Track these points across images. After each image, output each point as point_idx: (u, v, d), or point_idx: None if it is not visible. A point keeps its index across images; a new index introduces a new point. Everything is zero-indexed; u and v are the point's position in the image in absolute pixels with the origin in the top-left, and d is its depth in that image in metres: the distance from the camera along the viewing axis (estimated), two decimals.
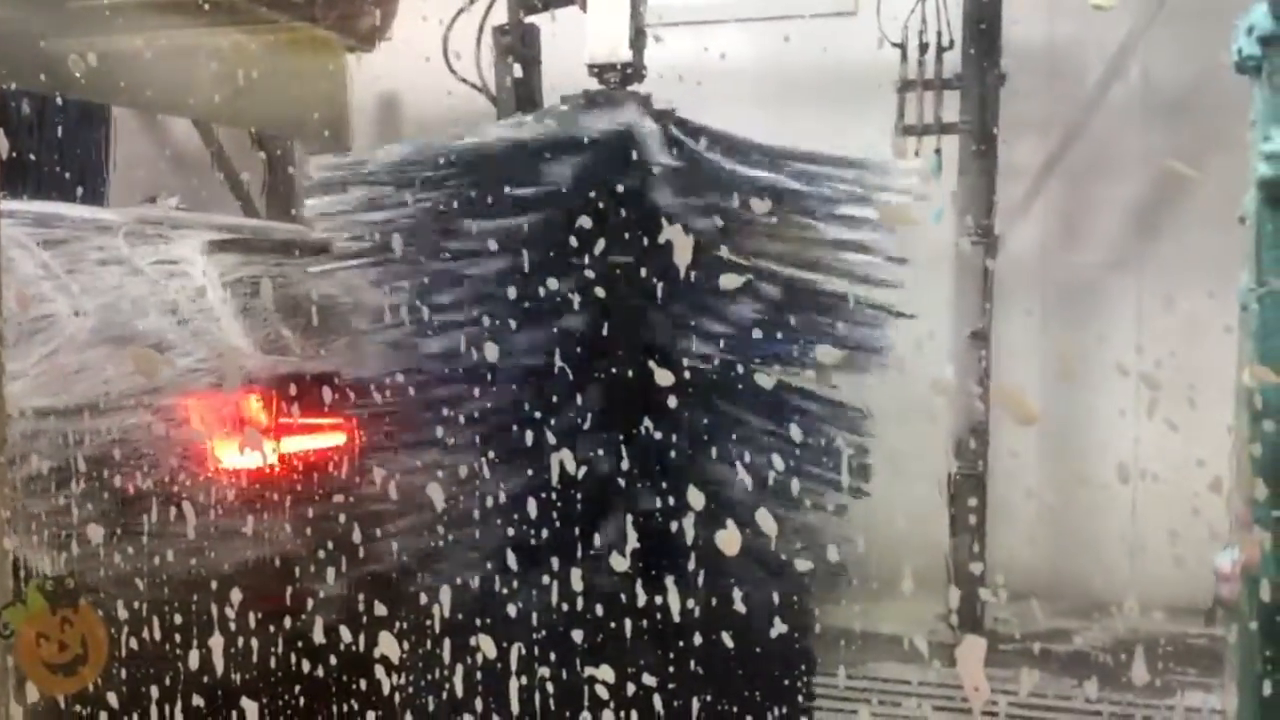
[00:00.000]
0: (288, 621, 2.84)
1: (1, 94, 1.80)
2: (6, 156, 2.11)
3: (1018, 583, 4.98)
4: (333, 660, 2.68)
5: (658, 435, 2.92)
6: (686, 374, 2.97)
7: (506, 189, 3.11)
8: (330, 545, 2.95)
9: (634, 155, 3.07)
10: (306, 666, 2.74)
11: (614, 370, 3.00)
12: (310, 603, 2.88)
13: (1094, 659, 4.33)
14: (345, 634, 2.61)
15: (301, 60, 5.61)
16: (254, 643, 2.73)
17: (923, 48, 5.20)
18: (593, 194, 3.02)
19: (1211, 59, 2.86)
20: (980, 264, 5.03)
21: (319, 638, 2.65)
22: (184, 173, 6.24)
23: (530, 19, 4.69)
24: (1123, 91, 5.25)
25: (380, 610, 2.56)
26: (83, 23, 4.30)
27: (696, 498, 2.50)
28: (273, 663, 2.82)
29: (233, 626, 2.70)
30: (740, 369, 3.05)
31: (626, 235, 2.99)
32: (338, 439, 3.22)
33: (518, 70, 4.54)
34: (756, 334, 2.99)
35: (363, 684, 2.63)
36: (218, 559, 2.95)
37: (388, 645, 2.43)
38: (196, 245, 3.51)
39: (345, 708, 2.76)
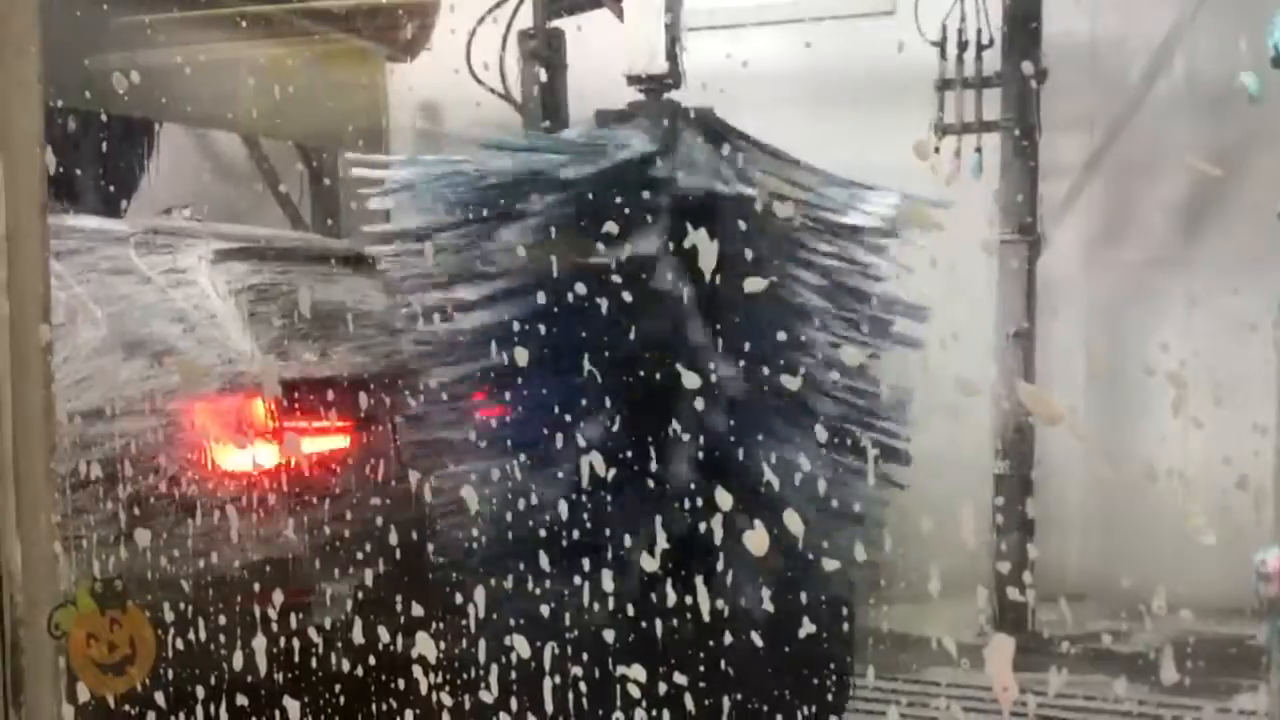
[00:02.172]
0: (311, 620, 2.90)
1: (48, 111, 1.84)
2: (54, 172, 2.16)
3: (1061, 583, 4.93)
4: (371, 660, 2.72)
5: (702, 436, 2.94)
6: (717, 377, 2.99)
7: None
8: (361, 544, 3.00)
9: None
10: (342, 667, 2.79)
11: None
12: (339, 602, 2.93)
13: (1146, 659, 4.27)
14: (385, 634, 2.65)
15: (342, 72, 5.68)
16: (274, 643, 2.78)
17: (961, 46, 5.18)
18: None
19: (1256, 53, 2.83)
20: (1023, 263, 4.99)
21: (358, 638, 2.69)
22: (228, 184, 6.35)
23: (555, 24, 4.70)
24: (1166, 86, 5.19)
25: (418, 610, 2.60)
26: (126, 39, 4.39)
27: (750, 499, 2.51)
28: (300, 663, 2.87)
29: (258, 627, 2.76)
30: (769, 371, 3.05)
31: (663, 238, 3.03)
32: (347, 442, 3.28)
33: (543, 76, 4.56)
34: (782, 336, 3.00)
35: (402, 685, 2.67)
36: (230, 559, 3.02)
37: (425, 645, 2.46)
38: (205, 254, 3.57)
39: (385, 707, 2.80)
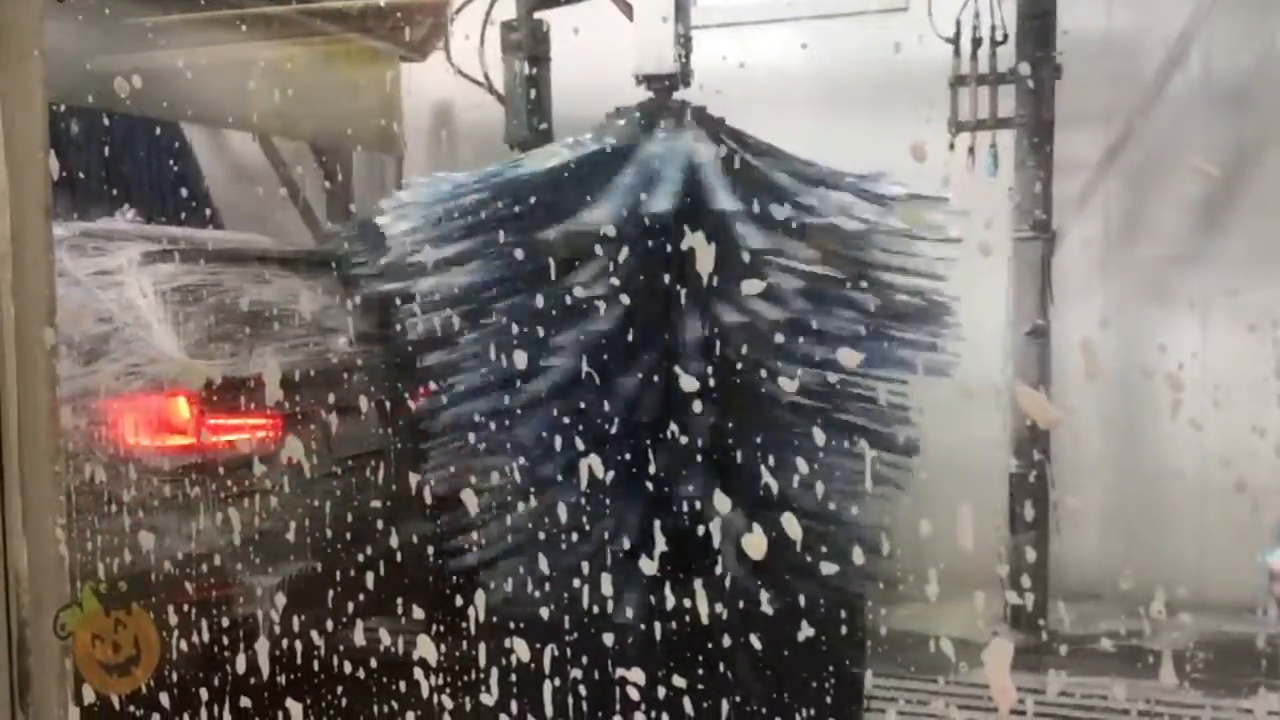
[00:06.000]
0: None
1: (53, 114, 1.84)
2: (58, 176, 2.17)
3: (1074, 582, 4.91)
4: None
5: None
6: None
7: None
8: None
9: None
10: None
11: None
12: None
13: (1156, 658, 4.25)
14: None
15: (355, 71, 5.69)
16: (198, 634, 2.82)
17: (976, 42, 5.15)
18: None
19: (1274, 45, 2.79)
20: (1038, 260, 4.96)
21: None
22: (243, 185, 6.37)
23: (539, 15, 4.64)
24: (1182, 82, 5.14)
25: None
26: (135, 40, 4.40)
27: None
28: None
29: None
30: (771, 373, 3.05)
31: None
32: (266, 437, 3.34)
33: (527, 69, 4.53)
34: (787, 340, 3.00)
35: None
36: (153, 546, 3.07)
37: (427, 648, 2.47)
38: (134, 256, 3.60)
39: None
